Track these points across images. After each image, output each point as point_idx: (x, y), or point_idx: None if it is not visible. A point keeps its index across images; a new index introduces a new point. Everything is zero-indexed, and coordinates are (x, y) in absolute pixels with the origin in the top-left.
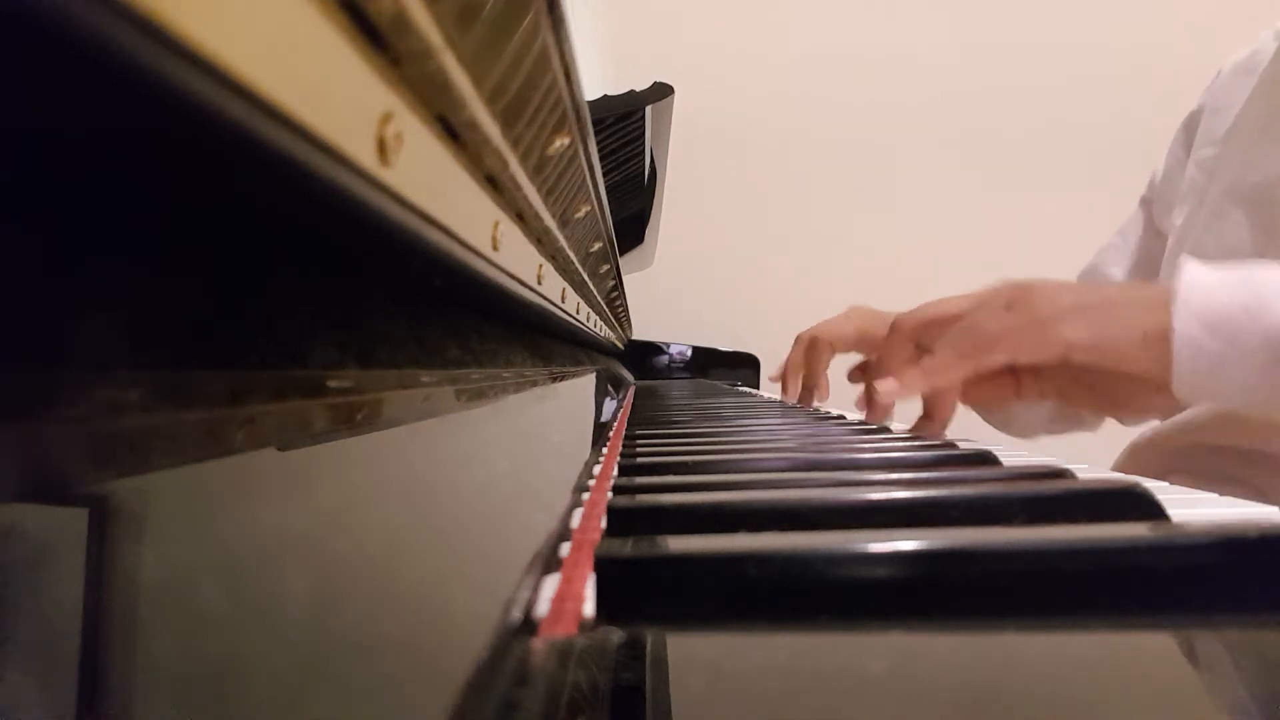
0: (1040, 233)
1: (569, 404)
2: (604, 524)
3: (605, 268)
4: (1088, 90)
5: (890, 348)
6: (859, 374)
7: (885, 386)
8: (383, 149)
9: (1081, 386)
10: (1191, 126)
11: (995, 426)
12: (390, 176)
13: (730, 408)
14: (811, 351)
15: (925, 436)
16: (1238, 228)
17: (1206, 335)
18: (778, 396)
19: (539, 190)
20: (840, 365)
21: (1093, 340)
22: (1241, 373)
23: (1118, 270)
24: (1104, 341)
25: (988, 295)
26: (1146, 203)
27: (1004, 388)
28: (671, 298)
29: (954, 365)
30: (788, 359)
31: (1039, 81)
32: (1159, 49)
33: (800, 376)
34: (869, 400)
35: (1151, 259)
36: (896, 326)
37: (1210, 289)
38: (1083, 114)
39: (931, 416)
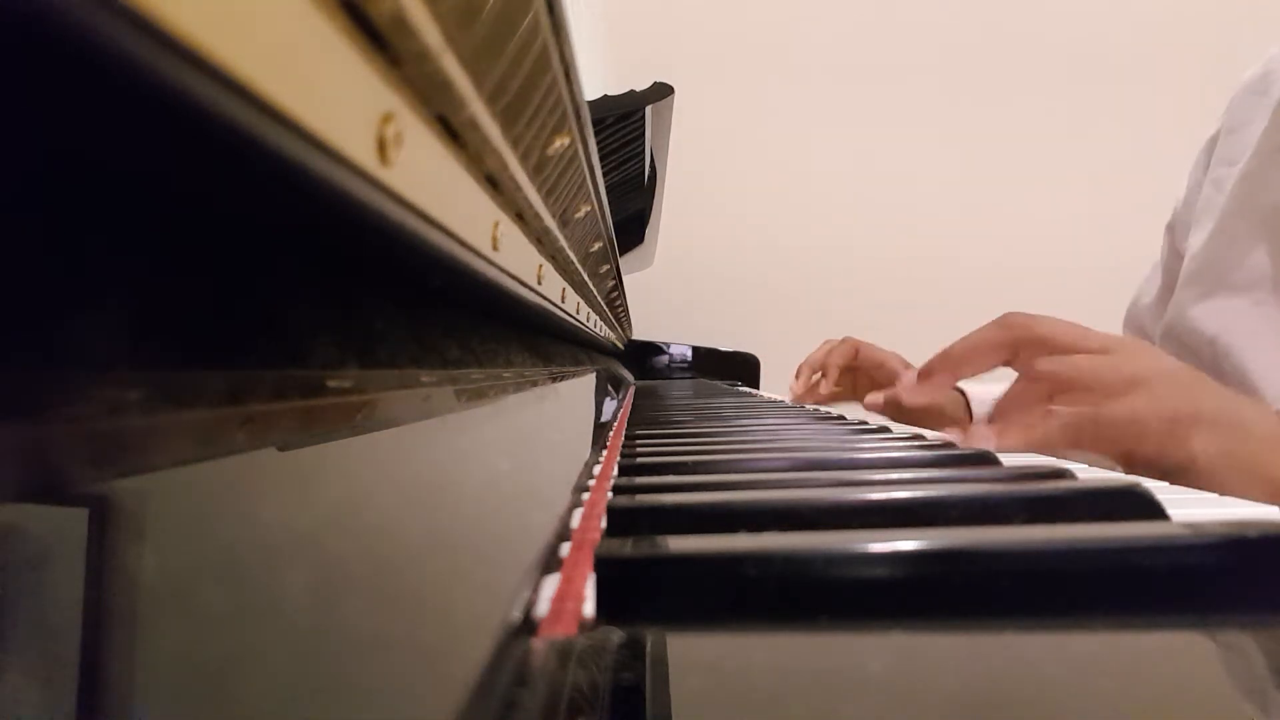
0: (1055, 234)
1: (569, 404)
2: (604, 524)
3: (605, 268)
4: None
5: (1025, 397)
6: (881, 403)
7: (1004, 442)
8: (383, 149)
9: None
10: (1211, 149)
11: None
12: (390, 176)
13: (730, 408)
14: (839, 346)
15: (927, 437)
16: (1254, 249)
17: None
18: (777, 396)
19: (539, 190)
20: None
21: (1220, 463)
22: None
23: (1149, 297)
24: (1229, 469)
25: (1115, 363)
26: (1170, 229)
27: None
28: (671, 298)
29: (1062, 443)
30: (812, 355)
31: (1055, 59)
32: None
33: (815, 374)
34: (974, 435)
35: (1172, 282)
36: (1043, 377)
37: None
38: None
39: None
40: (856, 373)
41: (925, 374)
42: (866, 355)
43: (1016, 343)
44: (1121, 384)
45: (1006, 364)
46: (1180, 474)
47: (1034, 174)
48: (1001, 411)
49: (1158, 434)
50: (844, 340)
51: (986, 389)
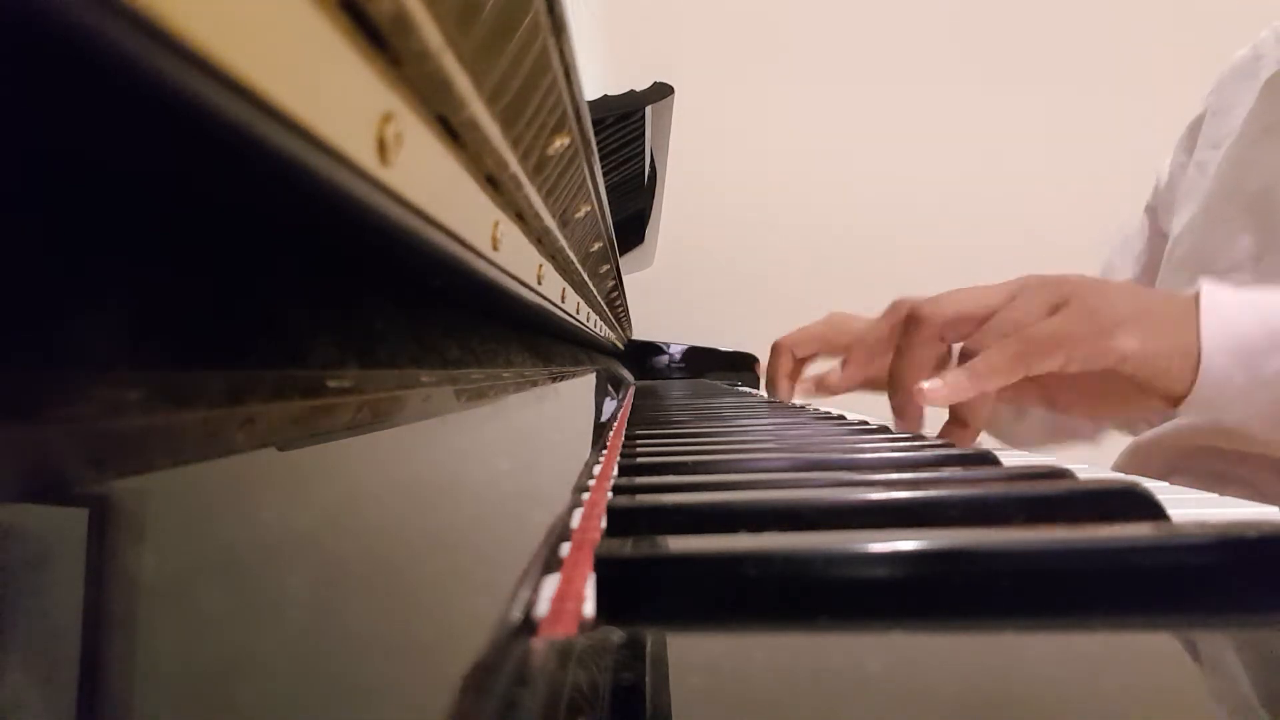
0: (1062, 233)
1: (569, 404)
2: (604, 524)
3: (605, 268)
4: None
5: (916, 345)
6: (813, 386)
7: (933, 391)
8: (383, 149)
9: (1074, 392)
10: (1195, 130)
11: (991, 434)
12: (390, 176)
13: (730, 408)
14: (779, 357)
15: (927, 438)
16: (1239, 232)
17: (1231, 362)
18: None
19: (539, 190)
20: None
21: (1143, 353)
22: (1255, 402)
23: (1126, 275)
24: (1151, 355)
25: (1023, 292)
26: (1151, 210)
27: (1012, 391)
28: (671, 298)
29: (1007, 369)
30: (766, 369)
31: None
32: None
33: (782, 383)
34: (899, 407)
35: (1156, 263)
36: (921, 320)
37: (1231, 315)
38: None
39: (965, 423)
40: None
41: (901, 414)
42: (805, 347)
43: (939, 331)
44: (1044, 315)
45: (945, 352)
46: (1121, 372)
47: (1037, 171)
48: (905, 364)
49: (1087, 343)
50: (780, 349)
51: None
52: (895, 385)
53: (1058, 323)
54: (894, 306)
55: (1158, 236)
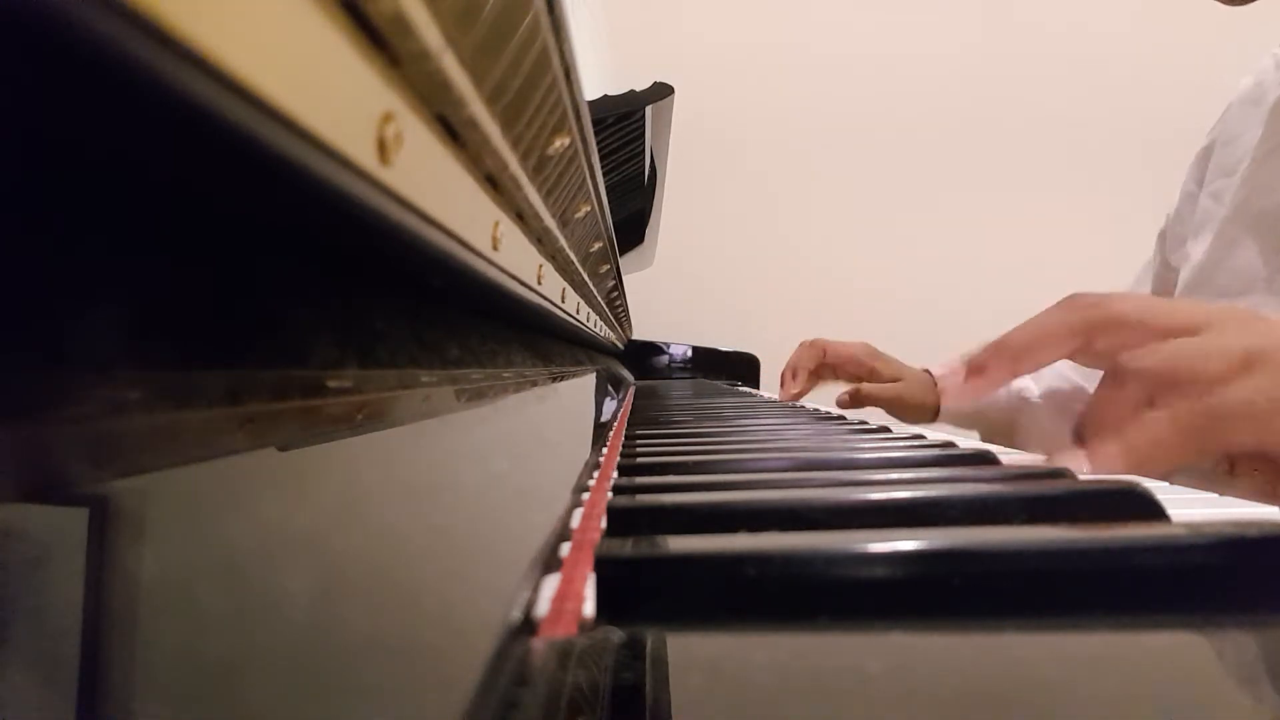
0: (1040, 233)
1: (569, 404)
2: (604, 524)
3: (605, 268)
4: (1091, 89)
5: (1117, 406)
6: (848, 399)
7: (1096, 459)
8: (383, 149)
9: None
10: (1203, 161)
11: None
12: (390, 176)
13: (730, 408)
14: (809, 350)
15: (927, 438)
16: (1249, 253)
17: None
18: (777, 396)
19: (539, 190)
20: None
21: None
22: None
23: None
24: None
25: (1211, 327)
26: (1161, 237)
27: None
28: (671, 298)
29: (1178, 450)
30: (790, 360)
31: (1041, 78)
32: (1165, 51)
33: (796, 376)
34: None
35: (1163, 292)
36: (1133, 375)
37: None
38: (1085, 112)
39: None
40: (834, 370)
41: (976, 370)
42: (834, 352)
43: (1088, 327)
44: (1233, 364)
45: (1076, 353)
46: None
47: (1033, 179)
48: (1093, 424)
49: None
50: (812, 343)
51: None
52: (1087, 429)
53: (1246, 390)
54: (1075, 305)
55: (1164, 265)
